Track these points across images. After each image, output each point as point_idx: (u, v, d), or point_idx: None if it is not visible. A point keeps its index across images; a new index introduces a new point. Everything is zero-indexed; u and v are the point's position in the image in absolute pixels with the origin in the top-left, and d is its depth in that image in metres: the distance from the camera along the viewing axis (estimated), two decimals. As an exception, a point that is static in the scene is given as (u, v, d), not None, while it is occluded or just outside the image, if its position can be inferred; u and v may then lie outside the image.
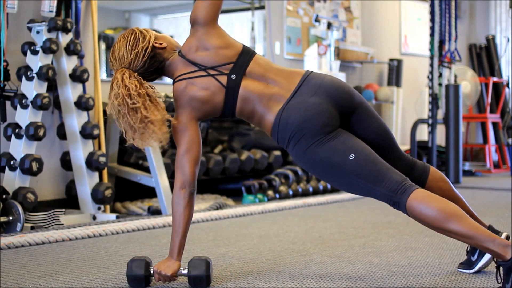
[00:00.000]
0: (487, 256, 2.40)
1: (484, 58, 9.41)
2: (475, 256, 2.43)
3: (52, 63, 4.06)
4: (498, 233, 2.36)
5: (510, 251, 2.07)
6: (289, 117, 2.21)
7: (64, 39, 4.14)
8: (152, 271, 2.26)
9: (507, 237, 2.33)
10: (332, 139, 2.19)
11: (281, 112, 2.23)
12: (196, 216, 3.92)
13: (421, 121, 7.20)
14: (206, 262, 2.23)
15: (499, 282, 2.15)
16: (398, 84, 7.70)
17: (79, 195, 4.15)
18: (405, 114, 8.12)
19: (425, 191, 2.16)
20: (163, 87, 5.61)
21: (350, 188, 2.22)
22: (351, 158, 2.17)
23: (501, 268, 2.13)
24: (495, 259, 2.13)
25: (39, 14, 4.19)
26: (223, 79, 2.31)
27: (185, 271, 2.24)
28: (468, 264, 2.46)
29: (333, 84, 2.28)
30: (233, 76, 2.31)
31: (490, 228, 2.37)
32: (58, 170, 4.38)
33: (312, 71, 2.34)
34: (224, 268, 2.57)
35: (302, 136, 2.19)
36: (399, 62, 7.78)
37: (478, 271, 2.43)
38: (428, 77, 6.93)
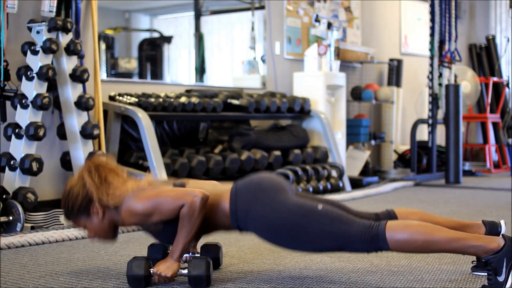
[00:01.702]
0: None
1: (484, 58, 9.41)
2: (503, 276, 2.13)
3: (52, 63, 4.06)
4: (494, 223, 2.39)
5: (499, 240, 2.09)
6: (244, 186, 2.30)
7: (64, 39, 4.14)
8: (152, 272, 2.26)
9: (504, 223, 2.38)
10: (293, 196, 2.27)
11: (235, 187, 2.32)
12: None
13: (421, 121, 7.20)
14: (206, 262, 2.23)
15: (491, 278, 2.11)
16: (398, 84, 7.70)
17: (79, 195, 4.14)
18: (405, 114, 8.12)
19: (397, 221, 2.20)
20: (163, 87, 5.61)
21: (323, 237, 2.17)
22: (320, 208, 2.20)
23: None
24: (482, 257, 2.12)
25: (39, 14, 4.19)
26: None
27: (185, 271, 2.25)
28: (482, 267, 2.37)
29: (269, 173, 2.39)
30: (178, 182, 2.40)
31: (483, 222, 2.41)
32: (58, 170, 4.38)
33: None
34: (224, 268, 2.57)
35: (264, 195, 2.23)
36: (399, 62, 7.78)
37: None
38: (428, 77, 6.93)
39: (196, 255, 2.51)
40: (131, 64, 7.39)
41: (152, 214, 2.25)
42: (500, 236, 2.16)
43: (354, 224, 2.16)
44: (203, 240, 2.73)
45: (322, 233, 2.17)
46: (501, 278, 2.07)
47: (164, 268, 2.24)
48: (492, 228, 2.39)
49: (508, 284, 2.06)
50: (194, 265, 2.23)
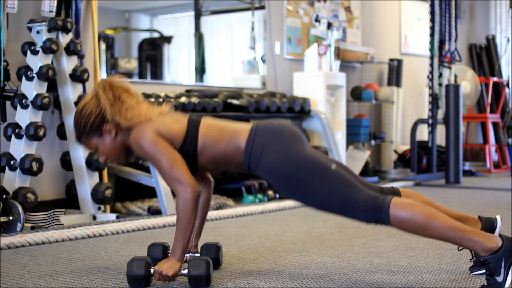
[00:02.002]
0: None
1: (484, 58, 9.41)
2: (502, 276, 2.11)
3: (52, 63, 4.06)
4: (491, 219, 2.39)
5: (497, 240, 2.09)
6: (265, 127, 2.30)
7: (64, 39, 4.14)
8: (152, 271, 2.26)
9: (500, 219, 2.38)
10: (311, 148, 2.27)
11: (256, 126, 2.31)
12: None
13: (421, 121, 7.20)
14: (206, 262, 2.23)
15: (489, 279, 2.10)
16: (398, 84, 7.70)
17: (79, 195, 4.15)
18: (405, 114, 8.12)
19: (403, 198, 2.21)
20: (163, 87, 5.61)
21: (328, 195, 2.17)
22: (333, 168, 2.20)
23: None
24: (480, 255, 2.11)
25: (39, 14, 4.19)
26: (185, 115, 2.40)
27: (185, 271, 2.25)
28: (480, 266, 2.32)
29: (290, 122, 2.39)
30: (193, 116, 2.40)
31: (479, 217, 2.41)
32: (58, 170, 4.38)
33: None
34: (224, 268, 2.57)
35: (282, 139, 2.24)
36: (399, 62, 7.78)
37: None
38: (428, 77, 6.93)
39: (197, 254, 2.52)
40: (131, 64, 7.39)
41: (149, 158, 2.28)
42: (498, 235, 2.16)
43: (362, 192, 2.17)
44: (203, 240, 2.74)
45: (329, 191, 2.17)
46: (499, 278, 2.07)
47: (166, 267, 2.23)
48: (488, 224, 2.38)
49: (507, 284, 2.06)
50: (194, 265, 2.23)
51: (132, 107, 2.33)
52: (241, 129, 2.32)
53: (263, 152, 2.24)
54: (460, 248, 2.34)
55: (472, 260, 2.40)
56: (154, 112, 2.36)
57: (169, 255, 2.33)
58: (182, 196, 2.22)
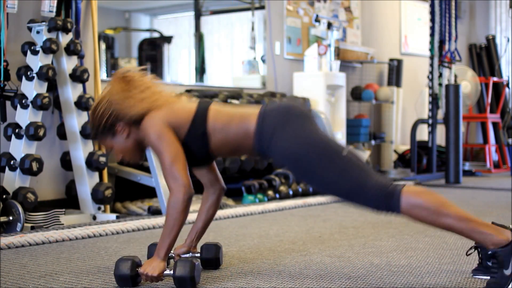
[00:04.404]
0: None
1: (484, 58, 9.41)
2: (510, 269, 2.11)
3: (52, 63, 4.06)
4: (504, 227, 2.36)
5: (508, 233, 2.07)
6: (273, 109, 2.26)
7: (64, 39, 4.14)
8: (139, 271, 2.26)
9: None
10: (323, 132, 2.22)
11: (264, 109, 2.27)
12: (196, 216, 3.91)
13: (421, 121, 7.20)
14: (191, 264, 2.20)
15: (496, 271, 2.09)
16: (398, 84, 7.70)
17: (79, 195, 4.15)
18: (405, 114, 8.12)
19: (415, 186, 2.16)
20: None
21: (339, 178, 2.12)
22: (344, 154, 2.15)
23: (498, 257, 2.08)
24: (489, 250, 2.09)
25: (39, 14, 4.19)
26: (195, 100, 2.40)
27: (171, 271, 2.23)
28: (484, 269, 2.31)
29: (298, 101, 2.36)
30: (203, 102, 2.38)
31: (493, 223, 2.37)
32: (58, 170, 4.38)
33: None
34: (224, 268, 2.57)
35: (292, 119, 2.19)
36: (399, 62, 7.78)
37: None
38: (428, 77, 6.93)
39: (196, 255, 2.52)
40: (131, 64, 7.39)
41: (154, 149, 2.28)
42: (509, 229, 2.12)
43: (373, 178, 2.12)
44: (203, 241, 2.73)
45: (341, 175, 2.12)
46: (507, 272, 2.05)
47: (150, 268, 2.22)
48: None
49: None
50: (179, 265, 2.21)
51: (143, 98, 2.31)
52: (250, 113, 2.28)
53: (273, 135, 2.20)
54: (469, 253, 2.31)
55: (470, 253, 2.34)
56: (165, 98, 2.35)
57: (172, 255, 2.33)
58: (175, 194, 2.21)
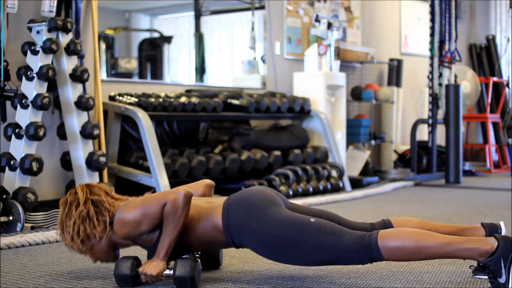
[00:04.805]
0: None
1: (484, 58, 9.41)
2: (504, 277, 2.12)
3: (52, 63, 4.06)
4: (494, 225, 2.38)
5: (492, 241, 2.08)
6: (235, 201, 2.29)
7: (64, 39, 4.14)
8: (138, 271, 2.26)
9: (504, 225, 2.37)
10: (285, 209, 2.26)
11: (227, 202, 2.30)
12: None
13: (421, 121, 7.20)
14: (192, 263, 2.21)
15: (493, 281, 2.10)
16: (398, 84, 7.70)
17: (79, 195, 4.14)
18: (405, 114, 8.12)
19: (389, 229, 2.19)
20: (163, 87, 5.61)
21: (316, 250, 2.16)
22: (312, 221, 2.19)
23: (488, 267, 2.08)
24: (479, 262, 2.10)
25: (39, 14, 4.19)
26: None
27: (171, 271, 2.24)
28: (482, 270, 2.28)
29: (261, 187, 2.38)
30: None
31: (482, 224, 2.40)
32: (58, 170, 4.38)
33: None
34: (224, 268, 2.57)
35: (255, 209, 2.22)
36: (399, 62, 7.78)
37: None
38: (428, 77, 6.93)
39: (196, 255, 2.52)
40: (131, 64, 7.39)
41: (141, 221, 2.25)
42: (492, 237, 2.13)
43: (347, 236, 2.16)
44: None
45: (315, 245, 2.16)
46: (502, 279, 2.06)
47: (150, 267, 2.24)
48: (492, 230, 2.37)
49: (511, 284, 2.04)
50: (179, 265, 2.22)
51: (113, 209, 2.33)
52: (215, 206, 2.32)
53: (241, 226, 2.24)
54: (471, 265, 2.32)
55: (473, 267, 2.33)
56: (128, 200, 2.39)
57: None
58: (176, 197, 2.23)
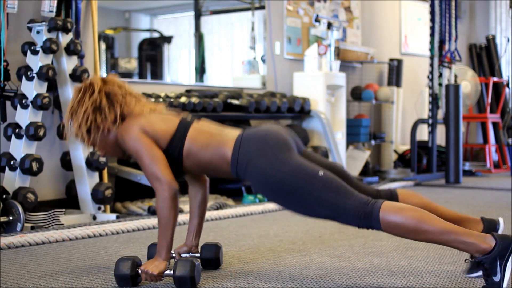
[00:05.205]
0: (509, 268, 2.13)
1: (484, 58, 9.41)
2: (499, 275, 2.11)
3: (52, 63, 4.06)
4: (493, 221, 2.38)
5: (490, 240, 2.07)
6: (249, 138, 2.27)
7: (64, 39, 4.14)
8: (139, 271, 2.26)
9: (503, 221, 2.37)
10: (296, 156, 2.23)
11: (241, 136, 2.29)
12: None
13: (421, 121, 7.20)
14: (191, 264, 2.21)
15: (487, 279, 2.09)
16: (398, 84, 7.70)
17: (79, 195, 4.15)
18: (405, 114, 8.12)
19: (394, 202, 2.17)
20: (163, 87, 5.61)
21: (317, 204, 2.15)
22: (320, 174, 2.17)
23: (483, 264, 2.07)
24: (475, 256, 2.10)
25: (39, 14, 4.19)
26: (178, 116, 2.41)
27: (171, 271, 2.24)
28: (475, 267, 2.33)
29: (277, 127, 2.37)
30: (187, 117, 2.40)
31: (482, 218, 2.39)
32: (58, 170, 4.38)
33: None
34: (224, 268, 2.57)
35: (266, 150, 2.21)
36: (399, 62, 7.78)
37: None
38: (428, 77, 6.93)
39: (197, 254, 2.52)
40: (131, 64, 7.39)
41: (133, 154, 2.32)
42: (491, 235, 2.12)
43: (351, 198, 2.14)
44: (203, 240, 2.73)
45: (318, 200, 2.15)
46: (496, 278, 2.06)
47: (152, 266, 2.24)
48: (490, 226, 2.37)
49: (505, 284, 2.05)
50: (179, 265, 2.22)
51: (125, 103, 2.36)
52: (228, 139, 2.31)
53: (248, 164, 2.23)
54: (466, 259, 2.32)
55: (468, 261, 2.35)
56: (145, 108, 2.39)
57: (173, 254, 2.34)
58: (160, 193, 2.25)
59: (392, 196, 2.38)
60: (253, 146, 2.24)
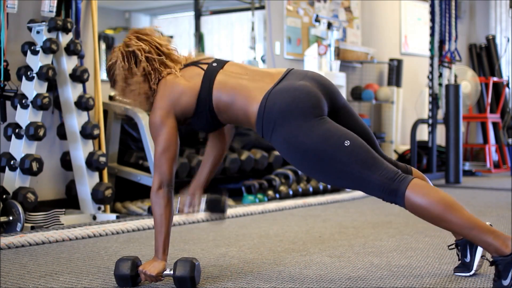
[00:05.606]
0: (479, 253, 2.31)
1: (484, 58, 9.41)
2: (468, 257, 2.34)
3: (52, 63, 4.06)
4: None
5: (511, 244, 2.04)
6: (276, 100, 2.15)
7: (64, 39, 4.14)
8: (138, 271, 2.26)
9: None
10: (324, 123, 2.12)
11: (267, 96, 2.17)
12: (196, 216, 3.91)
13: (421, 121, 7.20)
14: (191, 263, 2.21)
15: (496, 280, 2.09)
16: (398, 84, 7.70)
17: (79, 195, 4.15)
18: (405, 114, 8.12)
19: (423, 181, 2.10)
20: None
21: (341, 176, 2.09)
22: (346, 144, 2.08)
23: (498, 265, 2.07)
24: (491, 256, 2.09)
25: (39, 14, 4.19)
26: (204, 66, 2.37)
27: (171, 272, 2.24)
28: (464, 267, 2.39)
29: (320, 76, 2.29)
30: (214, 64, 2.38)
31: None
32: (58, 170, 4.38)
33: (293, 68, 2.33)
34: (224, 268, 2.57)
35: (292, 117, 2.11)
36: (399, 62, 7.78)
37: (476, 272, 2.37)
38: (428, 77, 6.93)
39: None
40: (131, 64, 7.37)
41: (151, 134, 2.35)
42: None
43: (377, 171, 2.07)
44: (198, 242, 2.73)
45: (341, 172, 2.08)
46: (505, 282, 2.04)
47: (150, 267, 2.24)
48: None
49: None
50: (179, 265, 2.21)
51: (159, 61, 2.37)
52: (254, 96, 2.21)
53: (275, 125, 2.14)
54: (451, 248, 2.35)
55: (451, 248, 2.44)
56: (175, 69, 2.38)
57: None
58: (153, 189, 2.28)
59: (407, 171, 2.32)
60: (278, 113, 2.14)
